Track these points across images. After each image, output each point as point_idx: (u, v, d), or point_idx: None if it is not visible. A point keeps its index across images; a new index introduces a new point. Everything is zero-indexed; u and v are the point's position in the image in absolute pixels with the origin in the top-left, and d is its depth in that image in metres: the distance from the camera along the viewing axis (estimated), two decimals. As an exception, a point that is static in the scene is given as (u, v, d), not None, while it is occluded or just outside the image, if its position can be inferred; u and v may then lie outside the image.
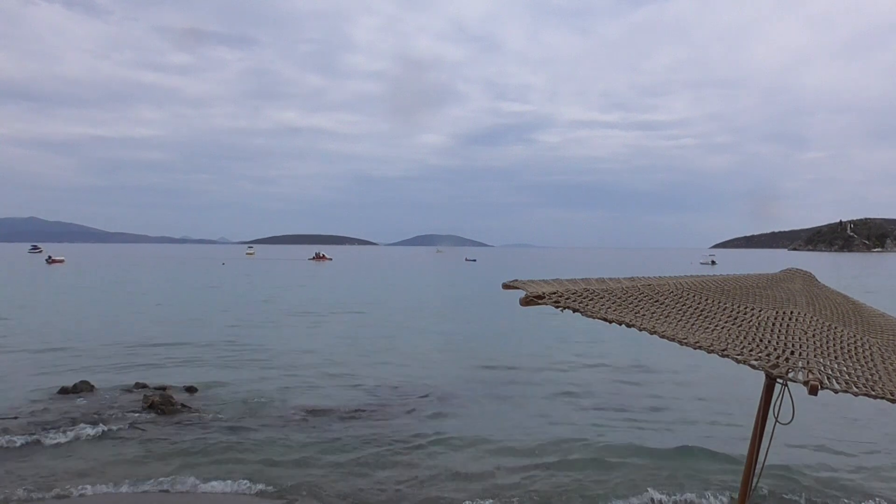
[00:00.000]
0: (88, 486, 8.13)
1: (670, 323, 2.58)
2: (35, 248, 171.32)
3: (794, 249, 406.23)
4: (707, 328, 2.56)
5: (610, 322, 2.52)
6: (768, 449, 3.27)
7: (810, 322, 2.67)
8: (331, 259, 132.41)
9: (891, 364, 2.46)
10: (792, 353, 2.32)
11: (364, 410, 12.00)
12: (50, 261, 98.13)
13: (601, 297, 2.71)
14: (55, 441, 9.93)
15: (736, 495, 3.48)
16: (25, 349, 19.12)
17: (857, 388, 2.18)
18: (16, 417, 11.19)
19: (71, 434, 10.24)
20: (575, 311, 2.57)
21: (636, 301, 2.75)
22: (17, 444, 9.75)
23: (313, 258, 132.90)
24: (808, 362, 2.22)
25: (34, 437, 10.09)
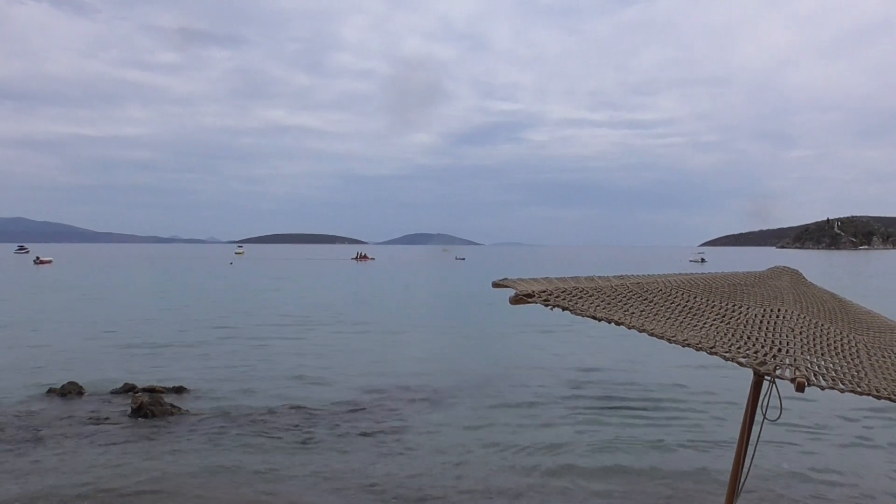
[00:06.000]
0: (76, 488, 8.06)
1: (659, 321, 2.59)
2: (22, 248, 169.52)
3: (783, 247, 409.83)
4: (695, 326, 2.57)
5: (599, 320, 2.53)
6: (756, 446, 3.29)
7: (797, 319, 2.69)
8: (373, 259, 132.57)
9: (876, 361, 2.48)
10: (779, 350, 2.34)
11: (357, 412, 11.99)
12: (38, 261, 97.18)
13: (590, 296, 2.72)
14: (41, 443, 9.83)
15: (724, 492, 3.51)
16: (13, 350, 18.95)
17: (843, 384, 2.20)
18: (1, 418, 11.08)
19: (58, 435, 10.16)
20: (564, 309, 2.57)
21: (625, 299, 2.76)
22: (2, 447, 9.65)
23: (355, 258, 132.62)
24: (795, 359, 2.24)
25: (20, 438, 10.00)
